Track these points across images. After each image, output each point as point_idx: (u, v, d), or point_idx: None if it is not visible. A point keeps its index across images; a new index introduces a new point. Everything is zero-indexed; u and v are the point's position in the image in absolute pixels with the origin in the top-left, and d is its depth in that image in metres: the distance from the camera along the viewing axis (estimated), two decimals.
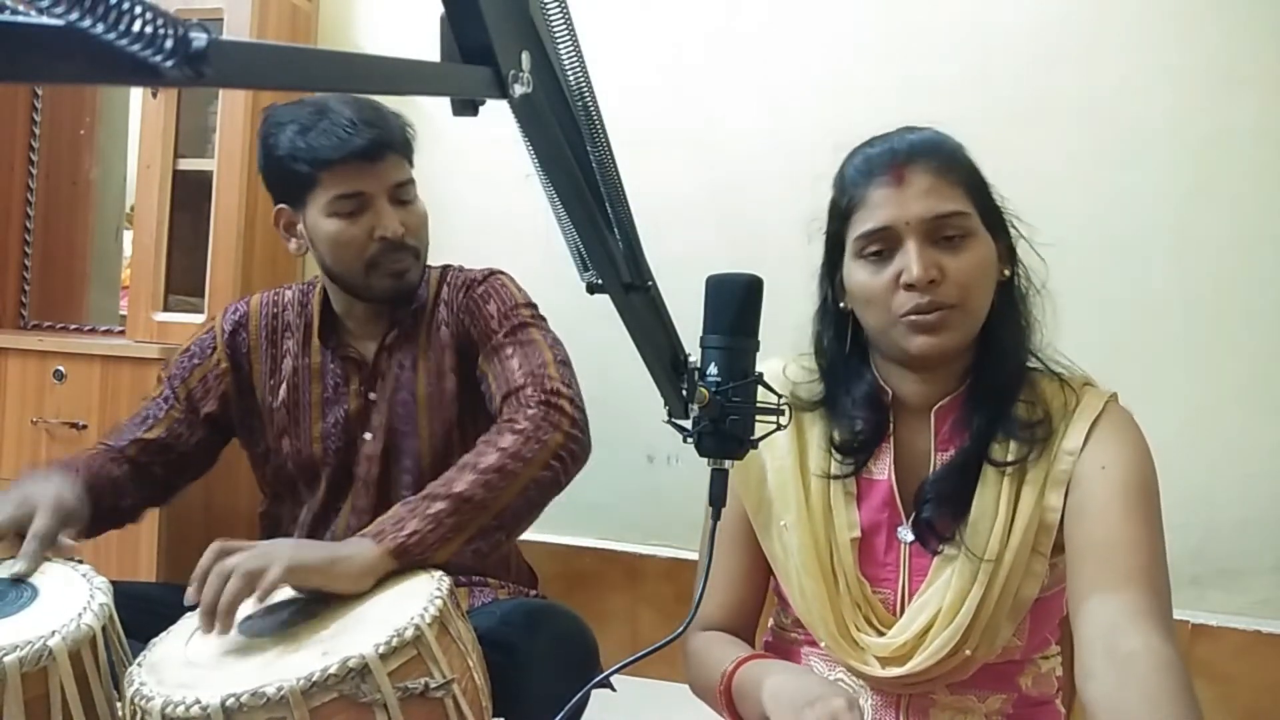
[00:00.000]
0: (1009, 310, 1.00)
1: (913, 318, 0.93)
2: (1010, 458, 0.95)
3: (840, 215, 1.00)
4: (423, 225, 1.32)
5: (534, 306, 1.35)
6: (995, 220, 0.99)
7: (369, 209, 1.25)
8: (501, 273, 1.39)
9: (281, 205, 1.31)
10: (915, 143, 0.96)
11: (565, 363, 1.26)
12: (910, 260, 0.92)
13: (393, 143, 1.26)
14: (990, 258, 0.96)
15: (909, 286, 0.93)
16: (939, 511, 0.97)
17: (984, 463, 0.96)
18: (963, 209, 0.94)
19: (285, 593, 0.96)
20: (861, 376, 1.03)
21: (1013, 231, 1.01)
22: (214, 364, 1.35)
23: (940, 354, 0.95)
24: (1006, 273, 0.99)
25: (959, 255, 0.94)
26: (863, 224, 0.96)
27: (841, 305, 1.03)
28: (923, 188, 0.94)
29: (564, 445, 1.13)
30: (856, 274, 0.98)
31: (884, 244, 0.95)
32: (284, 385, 1.35)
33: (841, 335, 1.04)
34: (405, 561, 0.98)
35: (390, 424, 1.32)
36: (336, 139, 1.22)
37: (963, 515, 0.96)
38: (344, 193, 1.24)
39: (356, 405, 1.33)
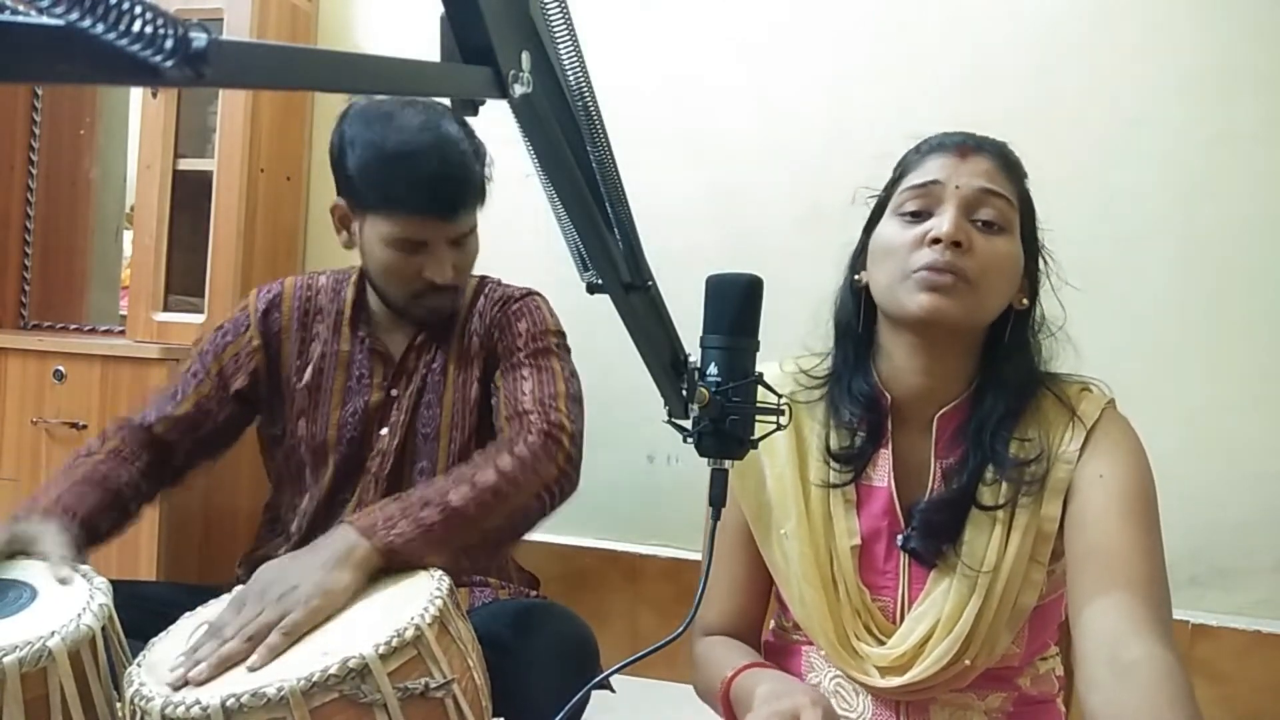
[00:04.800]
0: (1020, 340, 0.99)
1: (926, 273, 0.92)
2: (1000, 500, 0.95)
3: (892, 181, 1.01)
4: (472, 265, 1.33)
5: (562, 335, 1.36)
6: (1030, 242, 0.99)
7: (425, 251, 1.25)
8: (538, 294, 1.40)
9: (341, 200, 1.29)
10: (987, 138, 0.99)
11: (576, 399, 1.26)
12: (946, 218, 0.93)
13: (470, 200, 1.25)
14: (1016, 261, 0.96)
15: (934, 241, 0.92)
16: (927, 541, 0.98)
17: (972, 505, 0.96)
18: (1010, 198, 0.96)
19: None
20: (863, 375, 1.02)
21: (1041, 265, 1.01)
22: (247, 341, 1.36)
23: (941, 320, 0.93)
24: (1025, 301, 0.99)
25: (991, 240, 0.94)
26: (912, 179, 0.97)
27: (857, 278, 1.03)
28: (982, 167, 0.96)
29: (556, 480, 1.15)
30: (885, 228, 0.98)
31: (924, 202, 0.95)
32: (310, 368, 1.35)
33: (854, 309, 1.03)
34: (391, 561, 0.99)
35: (411, 423, 1.32)
36: (417, 194, 1.20)
37: (955, 539, 0.96)
38: (404, 235, 1.23)
39: (378, 399, 1.33)
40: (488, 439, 1.31)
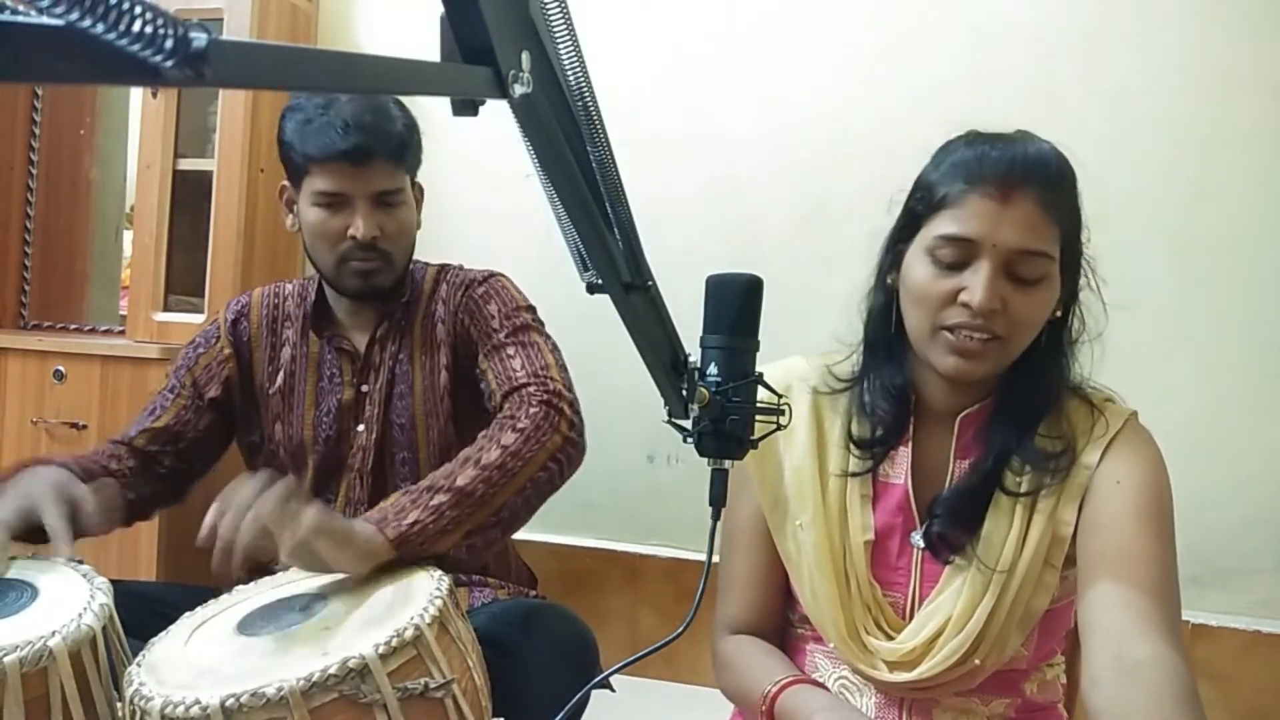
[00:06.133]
0: (1054, 349, 0.98)
1: (953, 337, 0.92)
2: (1024, 488, 0.95)
3: (928, 199, 0.95)
4: (403, 233, 1.33)
5: (534, 310, 1.37)
6: (1073, 263, 0.97)
7: (348, 208, 1.28)
8: (501, 274, 1.41)
9: (285, 183, 1.35)
10: (1034, 162, 0.92)
11: (565, 368, 1.28)
12: (979, 284, 0.89)
13: (383, 150, 1.27)
14: (1050, 304, 0.95)
15: (966, 306, 0.91)
16: (950, 528, 0.97)
17: (997, 489, 0.96)
18: (1050, 252, 0.92)
19: (286, 590, 0.96)
20: (895, 367, 1.02)
21: (1082, 280, 0.99)
22: (218, 351, 1.38)
23: (969, 379, 0.95)
24: (1059, 313, 0.97)
25: (1027, 295, 0.92)
26: (948, 225, 0.92)
27: (889, 280, 1.01)
28: (1024, 216, 0.90)
29: (562, 448, 1.14)
30: (918, 269, 0.95)
31: (960, 254, 0.91)
32: (281, 372, 1.37)
33: (886, 309, 1.01)
34: (405, 552, 0.98)
35: (386, 417, 1.34)
36: (326, 139, 1.25)
37: (974, 531, 0.96)
38: (326, 189, 1.28)
39: (350, 396, 1.35)
40: (467, 424, 1.32)
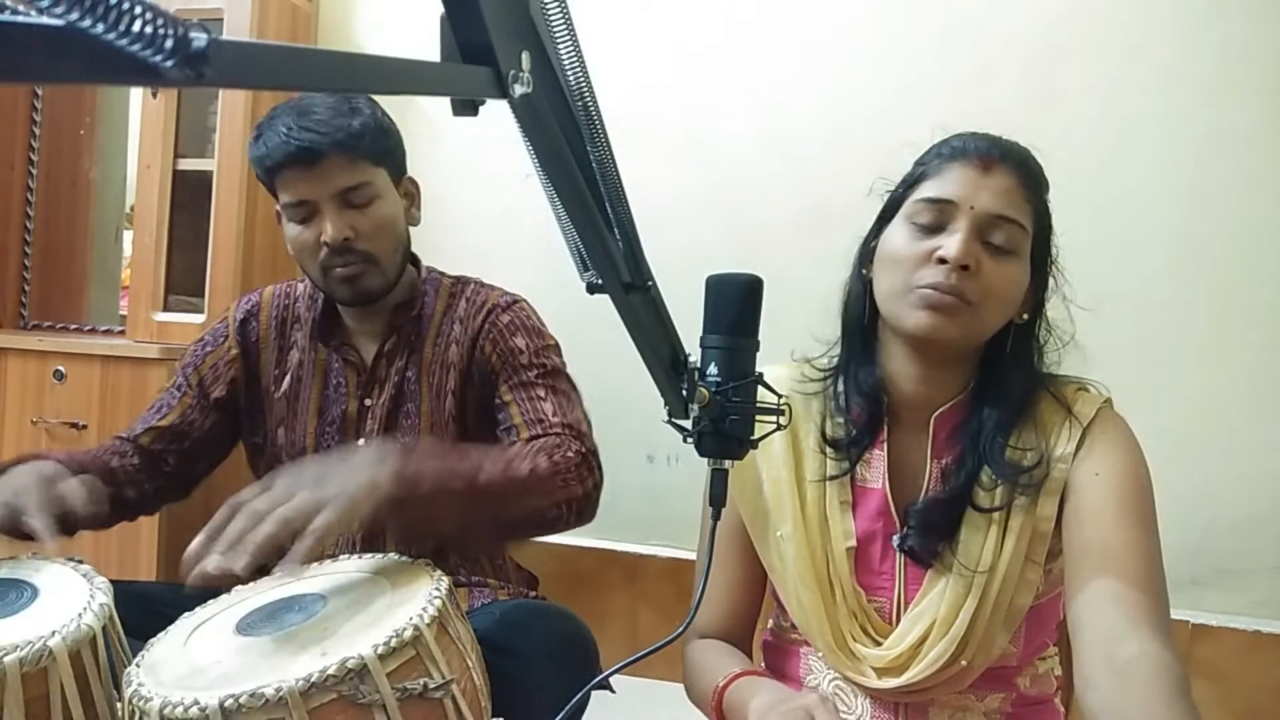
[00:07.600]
0: (1021, 352, 0.99)
1: (926, 291, 0.93)
2: (996, 503, 0.95)
3: (909, 180, 1.00)
4: (380, 230, 1.26)
5: (559, 348, 1.35)
6: (1041, 260, 0.99)
7: (318, 214, 1.23)
8: (524, 300, 1.38)
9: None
10: (1014, 148, 0.98)
11: (591, 424, 1.28)
12: (955, 240, 0.92)
13: (333, 145, 1.20)
14: (1020, 285, 0.96)
15: (941, 261, 0.92)
16: (925, 540, 0.98)
17: (969, 506, 0.97)
18: (1024, 224, 0.95)
19: (285, 590, 0.96)
20: (869, 367, 1.02)
21: (1051, 283, 1.00)
22: (225, 350, 1.36)
23: (937, 339, 0.94)
24: (1025, 316, 0.99)
25: (998, 263, 0.94)
26: (929, 190, 0.96)
27: (864, 272, 1.02)
28: (1002, 185, 0.94)
29: (580, 499, 1.15)
30: (895, 234, 0.98)
31: (938, 217, 0.95)
32: (288, 376, 1.35)
33: (860, 299, 1.03)
34: (399, 490, 0.97)
35: (389, 432, 1.31)
36: (273, 145, 1.21)
37: (951, 538, 0.97)
38: (290, 200, 1.24)
39: (353, 408, 1.33)
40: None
